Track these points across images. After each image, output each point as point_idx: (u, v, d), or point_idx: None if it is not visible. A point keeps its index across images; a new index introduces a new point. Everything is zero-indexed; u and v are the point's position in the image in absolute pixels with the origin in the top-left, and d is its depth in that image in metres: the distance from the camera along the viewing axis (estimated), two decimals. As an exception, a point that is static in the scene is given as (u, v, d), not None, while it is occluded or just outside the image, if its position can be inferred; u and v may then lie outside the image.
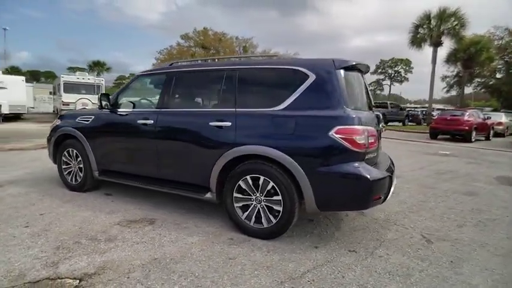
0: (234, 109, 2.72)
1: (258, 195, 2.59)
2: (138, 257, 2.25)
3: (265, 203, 2.57)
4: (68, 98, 16.05)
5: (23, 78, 16.41)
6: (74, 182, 3.80)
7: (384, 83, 63.99)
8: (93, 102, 16.42)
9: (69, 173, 3.84)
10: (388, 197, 2.58)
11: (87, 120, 3.62)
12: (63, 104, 16.03)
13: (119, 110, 3.43)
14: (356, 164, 2.33)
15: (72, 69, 40.97)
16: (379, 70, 62.36)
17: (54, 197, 3.54)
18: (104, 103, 3.42)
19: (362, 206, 2.52)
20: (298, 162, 2.39)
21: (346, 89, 2.48)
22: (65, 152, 3.81)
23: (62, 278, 1.93)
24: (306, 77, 2.49)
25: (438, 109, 29.75)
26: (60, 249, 2.31)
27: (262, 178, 2.53)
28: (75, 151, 3.71)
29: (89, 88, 17.03)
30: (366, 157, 2.42)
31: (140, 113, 3.26)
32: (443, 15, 21.53)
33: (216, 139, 2.73)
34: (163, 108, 3.11)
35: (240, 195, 2.66)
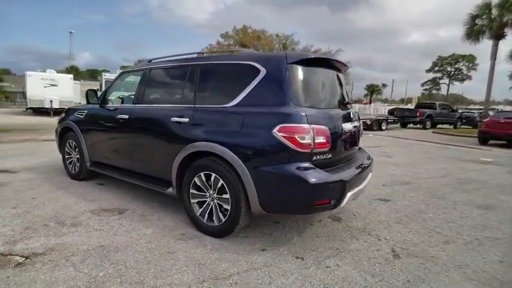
0: (193, 105, 2.77)
1: (211, 192, 2.61)
2: (88, 242, 2.43)
3: (217, 201, 2.58)
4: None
5: (71, 76, 18.48)
6: (73, 171, 4.21)
7: (441, 81, 58.42)
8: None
9: (70, 162, 4.27)
10: (343, 202, 2.40)
11: (82, 115, 3.99)
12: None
13: (105, 105, 3.71)
14: (298, 165, 2.22)
15: (125, 67, 45.00)
16: (436, 68, 57.06)
17: (52, 184, 3.97)
18: (90, 99, 3.72)
19: (303, 211, 2.39)
20: (242, 160, 2.35)
21: (301, 85, 2.38)
22: (67, 143, 4.25)
23: (12, 255, 2.18)
24: (258, 72, 2.44)
25: (501, 111, 26.18)
26: (27, 230, 2.60)
27: (213, 175, 2.55)
28: (73, 143, 4.11)
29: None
30: (314, 158, 2.29)
31: (120, 108, 3.49)
32: (507, 4, 18.86)
33: (176, 135, 2.81)
34: (137, 104, 3.30)
35: (195, 192, 2.71)
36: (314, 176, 2.19)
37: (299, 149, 2.20)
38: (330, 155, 2.44)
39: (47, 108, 16.33)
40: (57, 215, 2.95)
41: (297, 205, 2.29)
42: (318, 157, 2.31)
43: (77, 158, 4.11)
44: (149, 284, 1.92)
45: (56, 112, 16.82)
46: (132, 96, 3.95)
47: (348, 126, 2.72)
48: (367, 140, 10.71)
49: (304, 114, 2.23)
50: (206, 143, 2.55)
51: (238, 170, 2.36)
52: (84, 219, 2.90)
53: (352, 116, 2.85)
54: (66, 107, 16.24)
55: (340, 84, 3.01)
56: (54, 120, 14.07)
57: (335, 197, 2.30)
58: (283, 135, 2.20)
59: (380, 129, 17.00)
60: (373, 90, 68.45)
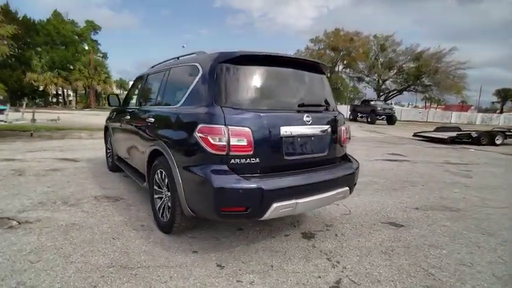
0: (158, 107, 3.07)
1: (164, 189, 2.82)
2: (66, 220, 3.01)
3: (167, 198, 2.76)
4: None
5: None
6: (109, 164, 5.16)
7: None
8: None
9: (108, 156, 5.24)
10: (267, 213, 2.19)
11: (112, 115, 4.86)
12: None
13: (122, 107, 4.43)
14: (212, 168, 2.18)
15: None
16: None
17: (92, 173, 4.97)
18: (111, 102, 4.50)
19: (213, 216, 2.27)
20: (175, 160, 2.47)
21: (230, 85, 2.33)
22: (108, 140, 5.24)
23: (12, 220, 2.93)
24: (198, 72, 2.52)
25: None
26: (39, 204, 3.41)
27: (163, 173, 2.75)
28: (109, 139, 5.04)
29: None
30: (232, 161, 2.20)
31: (129, 110, 4.12)
32: None
33: (147, 134, 3.16)
34: (136, 106, 3.83)
35: (157, 188, 2.97)
36: (221, 180, 2.11)
37: (212, 151, 2.17)
38: (258, 160, 2.28)
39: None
40: (69, 196, 3.72)
41: (207, 209, 2.24)
42: (238, 161, 2.21)
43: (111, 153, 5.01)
44: (71, 260, 2.27)
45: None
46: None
47: (299, 130, 2.46)
48: (452, 156, 8.86)
49: (218, 114, 2.18)
50: (159, 141, 2.78)
51: (172, 170, 2.49)
52: (84, 202, 3.56)
53: (309, 119, 2.53)
54: None
55: (311, 84, 2.76)
56: None
57: (252, 205, 2.14)
58: (201, 135, 2.21)
59: (493, 143, 13.66)
60: (505, 95, 55.12)
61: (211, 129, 2.16)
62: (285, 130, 2.37)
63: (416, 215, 3.63)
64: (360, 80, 42.50)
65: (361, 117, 29.09)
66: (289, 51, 47.32)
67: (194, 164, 2.29)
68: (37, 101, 27.91)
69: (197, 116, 2.31)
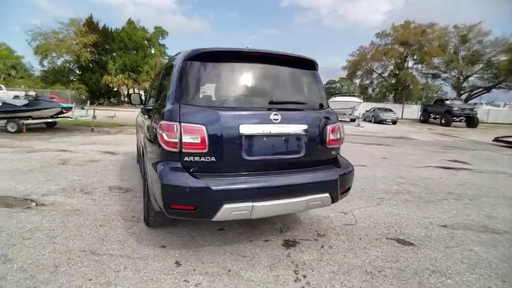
0: (150, 105, 3.25)
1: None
2: (74, 205, 3.41)
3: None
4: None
5: None
6: (137, 157, 5.65)
7: None
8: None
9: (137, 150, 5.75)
10: (218, 214, 2.12)
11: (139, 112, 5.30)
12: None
13: (143, 105, 4.80)
14: (167, 164, 2.22)
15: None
16: None
17: (122, 165, 5.52)
18: (133, 101, 4.89)
19: (164, 211, 2.25)
20: (147, 155, 2.59)
21: (193, 82, 2.33)
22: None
23: (34, 202, 3.44)
24: (173, 70, 2.57)
25: None
26: (62, 190, 3.93)
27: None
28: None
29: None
30: (186, 159, 2.18)
31: (142, 108, 4.43)
32: None
33: (143, 130, 3.37)
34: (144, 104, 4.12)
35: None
36: (169, 177, 2.12)
37: (166, 148, 2.20)
38: (214, 159, 2.21)
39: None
40: (88, 185, 4.20)
41: (160, 205, 2.25)
42: (192, 159, 2.19)
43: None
44: (54, 241, 2.56)
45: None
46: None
47: (264, 129, 2.31)
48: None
49: (175, 111, 2.19)
50: (144, 137, 2.94)
51: (145, 165, 2.61)
52: (98, 191, 3.97)
53: (278, 117, 2.34)
54: None
55: (289, 80, 2.58)
56: None
57: (200, 205, 2.10)
58: (160, 132, 2.25)
59: None
60: None
61: (166, 126, 2.19)
62: (246, 128, 2.25)
63: (438, 233, 3.09)
64: (435, 76, 37.85)
65: (434, 118, 25.98)
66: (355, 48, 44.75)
67: (157, 161, 2.35)
68: (111, 100, 32.17)
69: (162, 113, 2.37)
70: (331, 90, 57.31)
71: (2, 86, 23.15)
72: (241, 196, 2.16)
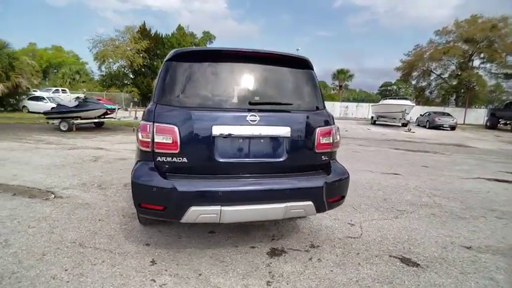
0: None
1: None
2: (85, 199, 3.70)
3: None
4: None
5: None
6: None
7: None
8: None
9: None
10: (185, 216, 2.09)
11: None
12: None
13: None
14: (142, 163, 2.28)
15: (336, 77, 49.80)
16: None
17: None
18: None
19: (137, 210, 2.26)
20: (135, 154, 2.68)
21: (172, 82, 2.35)
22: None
23: (53, 194, 3.82)
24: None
25: None
26: (81, 184, 4.29)
27: None
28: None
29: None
30: (158, 159, 2.22)
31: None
32: None
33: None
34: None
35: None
36: (139, 176, 2.18)
37: (141, 147, 2.26)
38: (186, 159, 2.21)
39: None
40: (107, 181, 4.52)
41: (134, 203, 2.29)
42: (164, 159, 2.21)
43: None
44: (54, 231, 2.80)
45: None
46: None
47: (239, 131, 2.23)
48: None
49: (151, 111, 2.23)
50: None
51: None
52: (113, 187, 4.26)
53: (255, 118, 2.25)
54: None
55: (275, 80, 2.48)
56: None
57: (167, 205, 2.11)
58: (137, 132, 2.32)
59: None
60: None
61: (142, 126, 2.25)
62: (219, 129, 2.20)
63: (457, 255, 2.68)
64: (508, 77, 33.31)
65: (505, 124, 22.91)
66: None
67: (136, 160, 2.43)
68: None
69: (143, 113, 2.44)
70: (387, 93, 53.79)
71: (66, 89, 26.40)
72: (209, 199, 2.11)
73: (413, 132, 17.41)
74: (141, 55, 29.82)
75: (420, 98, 37.33)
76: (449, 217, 3.65)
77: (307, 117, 2.42)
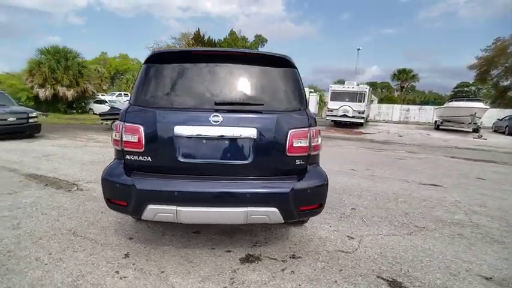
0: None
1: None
2: (99, 193, 4.06)
3: None
4: (332, 105, 19.88)
5: (306, 89, 22.66)
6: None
7: None
8: (353, 109, 19.03)
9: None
10: (144, 213, 2.19)
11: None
12: (328, 110, 20.22)
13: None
14: (116, 161, 2.42)
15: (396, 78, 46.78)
16: None
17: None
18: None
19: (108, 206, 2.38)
20: None
21: (145, 84, 2.44)
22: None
23: (76, 185, 4.30)
24: None
25: None
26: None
27: None
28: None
29: (352, 96, 19.61)
30: (127, 157, 2.34)
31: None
32: None
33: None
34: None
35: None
36: (108, 172, 2.32)
37: (113, 145, 2.40)
38: (150, 158, 2.28)
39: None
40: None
41: None
42: (132, 157, 2.32)
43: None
44: (59, 219, 3.15)
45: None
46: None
47: (201, 131, 2.23)
48: None
49: (123, 111, 2.38)
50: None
51: None
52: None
53: (218, 119, 2.23)
54: None
55: (249, 79, 2.42)
56: None
57: (129, 202, 2.21)
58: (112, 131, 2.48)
59: None
60: None
61: (116, 126, 2.40)
62: (181, 130, 2.24)
63: (467, 285, 2.27)
64: None
65: None
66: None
67: (113, 158, 2.57)
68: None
69: None
70: (463, 95, 47.67)
71: (128, 93, 29.38)
72: (165, 198, 2.16)
73: (485, 139, 15.22)
74: (195, 60, 31.59)
75: (501, 99, 32.49)
76: (481, 240, 3.11)
77: (278, 118, 2.31)
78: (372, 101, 30.81)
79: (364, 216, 3.62)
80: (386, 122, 28.55)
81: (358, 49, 38.12)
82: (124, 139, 2.31)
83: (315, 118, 2.50)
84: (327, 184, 2.37)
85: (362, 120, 19.27)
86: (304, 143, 2.33)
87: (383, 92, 56.63)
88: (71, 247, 2.58)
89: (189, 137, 2.25)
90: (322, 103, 28.79)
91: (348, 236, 3.05)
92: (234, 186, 2.20)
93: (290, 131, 2.29)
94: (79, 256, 2.44)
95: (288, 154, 2.30)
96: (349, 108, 19.37)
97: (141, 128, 2.27)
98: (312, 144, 2.37)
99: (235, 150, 2.28)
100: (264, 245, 2.79)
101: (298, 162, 2.36)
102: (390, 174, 6.13)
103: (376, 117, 30.09)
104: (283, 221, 2.26)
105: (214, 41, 34.36)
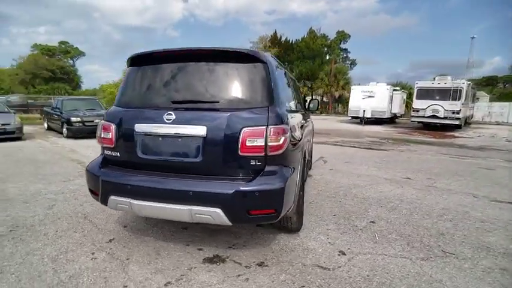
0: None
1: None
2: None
3: None
4: (418, 104, 17.52)
5: (388, 86, 20.46)
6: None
7: None
8: (445, 108, 16.44)
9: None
10: (107, 202, 2.44)
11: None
12: (413, 110, 17.89)
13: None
14: (100, 157, 2.74)
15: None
16: None
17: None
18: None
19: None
20: None
21: (125, 85, 2.72)
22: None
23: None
24: None
25: None
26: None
27: None
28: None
29: (444, 93, 16.86)
30: (106, 152, 2.63)
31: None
32: None
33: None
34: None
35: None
36: (90, 165, 2.66)
37: (97, 142, 2.72)
38: (119, 154, 2.51)
39: (360, 118, 20.09)
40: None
41: None
42: (108, 153, 2.61)
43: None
44: (70, 203, 3.72)
45: (368, 121, 20.07)
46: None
47: (155, 129, 2.36)
48: None
49: (105, 112, 2.67)
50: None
51: None
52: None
53: (171, 117, 2.30)
54: (379, 116, 18.21)
55: (209, 77, 2.44)
56: (362, 128, 17.33)
57: (98, 190, 2.49)
58: None
59: None
60: None
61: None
62: (139, 127, 2.41)
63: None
64: None
65: None
66: None
67: None
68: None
69: None
70: None
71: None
72: (121, 191, 2.36)
73: None
74: (269, 63, 32.33)
75: None
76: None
77: (231, 116, 2.23)
78: (477, 98, 25.89)
79: (379, 232, 3.15)
80: (499, 124, 23.58)
81: (472, 37, 32.63)
82: (102, 136, 2.62)
83: (281, 116, 2.33)
84: (283, 189, 2.17)
85: (457, 122, 16.41)
86: (259, 143, 2.20)
87: (506, 88, 47.06)
88: (74, 228, 3.04)
89: (146, 135, 2.41)
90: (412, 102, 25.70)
91: (340, 251, 2.72)
92: (179, 184, 2.25)
93: (243, 130, 2.20)
94: (75, 236, 2.87)
95: (241, 154, 2.21)
96: (440, 108, 16.73)
97: (112, 126, 2.54)
98: (269, 144, 2.21)
99: (187, 148, 2.33)
100: (239, 248, 2.73)
101: (254, 163, 2.24)
102: (457, 186, 5.11)
103: (486, 118, 25.18)
104: (230, 223, 2.19)
105: (291, 42, 34.54)
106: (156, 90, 2.55)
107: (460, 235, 3.14)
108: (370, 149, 9.49)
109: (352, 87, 22.59)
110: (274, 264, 2.48)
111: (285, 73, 3.54)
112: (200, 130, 2.25)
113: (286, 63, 34.18)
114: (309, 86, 32.99)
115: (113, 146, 2.55)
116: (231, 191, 2.11)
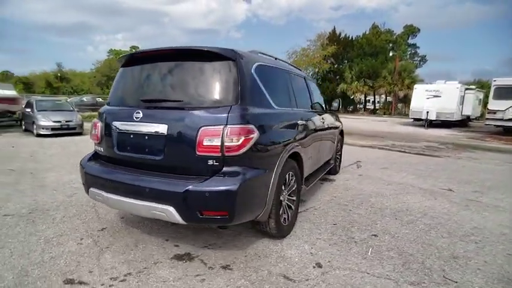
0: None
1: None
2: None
3: None
4: (495, 104, 15.22)
5: (459, 85, 18.05)
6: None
7: None
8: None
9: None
10: (89, 194, 2.68)
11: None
12: (488, 112, 15.59)
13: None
14: (92, 152, 3.01)
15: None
16: None
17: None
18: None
19: None
20: None
21: (115, 85, 2.94)
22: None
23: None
24: None
25: None
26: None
27: None
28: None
29: (530, 92, 14.41)
30: (96, 148, 2.90)
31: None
32: None
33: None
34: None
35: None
36: (82, 159, 2.91)
37: (90, 138, 3.00)
38: (102, 149, 2.74)
39: (423, 120, 18.10)
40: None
41: None
42: (97, 148, 2.87)
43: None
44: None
45: (431, 124, 18.03)
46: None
47: (126, 127, 2.53)
48: None
49: (101, 111, 2.92)
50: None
51: None
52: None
53: (139, 115, 2.43)
54: (446, 118, 16.34)
55: (177, 75, 2.53)
56: (423, 132, 15.66)
57: (84, 183, 2.73)
58: None
59: None
60: None
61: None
62: (116, 125, 2.60)
63: None
64: None
65: None
66: None
67: None
68: (347, 108, 34.73)
69: None
70: None
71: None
72: (96, 184, 2.58)
73: None
74: (328, 61, 31.41)
75: None
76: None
77: (190, 114, 2.26)
78: None
79: (377, 247, 2.86)
80: None
81: None
82: (92, 132, 2.89)
83: (245, 115, 2.28)
84: (234, 191, 2.12)
85: (548, 126, 13.84)
86: (216, 142, 2.18)
87: None
88: (79, 215, 3.40)
89: (120, 132, 2.59)
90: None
91: (316, 264, 2.54)
92: (140, 180, 2.35)
93: (201, 129, 2.21)
94: (75, 222, 3.21)
95: (198, 153, 2.22)
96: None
97: (99, 124, 2.79)
98: (226, 144, 2.17)
99: (151, 146, 2.43)
100: (214, 249, 2.74)
101: (211, 163, 2.22)
102: (509, 204, 4.35)
103: None
104: (184, 222, 2.22)
105: (351, 38, 32.91)
106: (132, 90, 2.76)
107: (479, 261, 2.67)
108: (421, 154, 8.59)
109: (415, 86, 20.55)
110: (239, 269, 2.43)
111: (286, 72, 3.43)
112: (162, 128, 2.33)
113: (346, 61, 32.79)
114: (370, 84, 31.04)
115: (98, 141, 2.81)
116: (181, 190, 2.14)
